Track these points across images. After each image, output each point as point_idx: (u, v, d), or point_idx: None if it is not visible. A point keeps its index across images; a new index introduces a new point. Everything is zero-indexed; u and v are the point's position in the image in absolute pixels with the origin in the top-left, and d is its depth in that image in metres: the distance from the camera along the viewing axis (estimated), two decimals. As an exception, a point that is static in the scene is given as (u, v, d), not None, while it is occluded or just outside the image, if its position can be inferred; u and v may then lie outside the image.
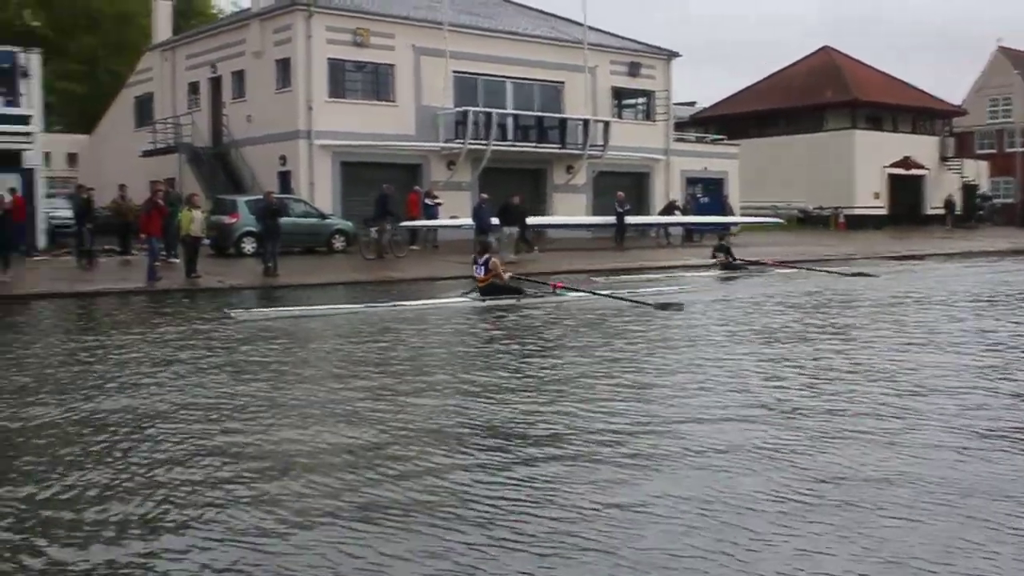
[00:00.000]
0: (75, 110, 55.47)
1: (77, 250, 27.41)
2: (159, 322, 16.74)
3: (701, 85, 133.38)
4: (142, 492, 6.55)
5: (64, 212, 30.60)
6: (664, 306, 17.17)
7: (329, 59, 35.80)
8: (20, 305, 20.27)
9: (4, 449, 7.94)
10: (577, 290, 19.68)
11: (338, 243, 32.36)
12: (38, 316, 18.67)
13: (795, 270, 26.78)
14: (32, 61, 32.47)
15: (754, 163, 50.88)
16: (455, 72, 38.25)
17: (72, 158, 52.21)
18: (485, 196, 31.22)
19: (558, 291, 19.09)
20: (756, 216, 45.90)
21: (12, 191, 28.05)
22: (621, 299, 18.41)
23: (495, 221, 29.80)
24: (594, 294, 19.44)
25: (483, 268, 18.87)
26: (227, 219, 30.29)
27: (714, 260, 27.73)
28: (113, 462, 7.34)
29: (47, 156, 36.90)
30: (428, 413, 8.92)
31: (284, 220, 27.08)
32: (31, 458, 7.59)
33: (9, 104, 31.07)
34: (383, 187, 30.93)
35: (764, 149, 54.56)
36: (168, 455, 7.50)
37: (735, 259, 27.56)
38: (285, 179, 35.47)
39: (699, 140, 49.52)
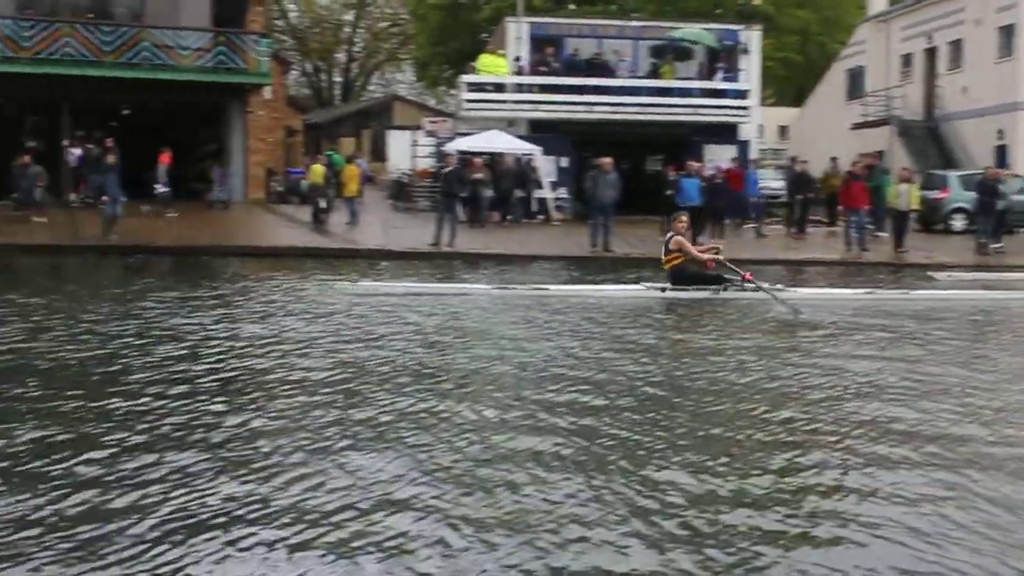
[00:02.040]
0: (786, 84, 56.93)
1: (788, 220, 28.16)
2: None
3: None
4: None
5: (775, 184, 31.55)
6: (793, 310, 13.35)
7: (1060, 24, 33.15)
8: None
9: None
10: (760, 287, 14.65)
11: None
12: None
13: None
14: (752, 38, 33.78)
15: None
16: None
17: (782, 131, 53.71)
18: None
19: (747, 283, 14.62)
20: None
21: (733, 160, 29.57)
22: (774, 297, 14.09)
23: None
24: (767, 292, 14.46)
25: (664, 247, 15.36)
26: (936, 194, 29.31)
27: None
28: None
29: (760, 129, 38.19)
30: None
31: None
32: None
33: (728, 79, 32.59)
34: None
35: None
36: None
37: None
38: (1001, 153, 33.49)
39: None
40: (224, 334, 11.24)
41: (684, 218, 15.80)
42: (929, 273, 19.85)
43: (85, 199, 27.17)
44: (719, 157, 29.68)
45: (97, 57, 28.89)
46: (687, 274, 14.86)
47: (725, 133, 32.24)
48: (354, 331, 11.42)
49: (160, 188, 27.64)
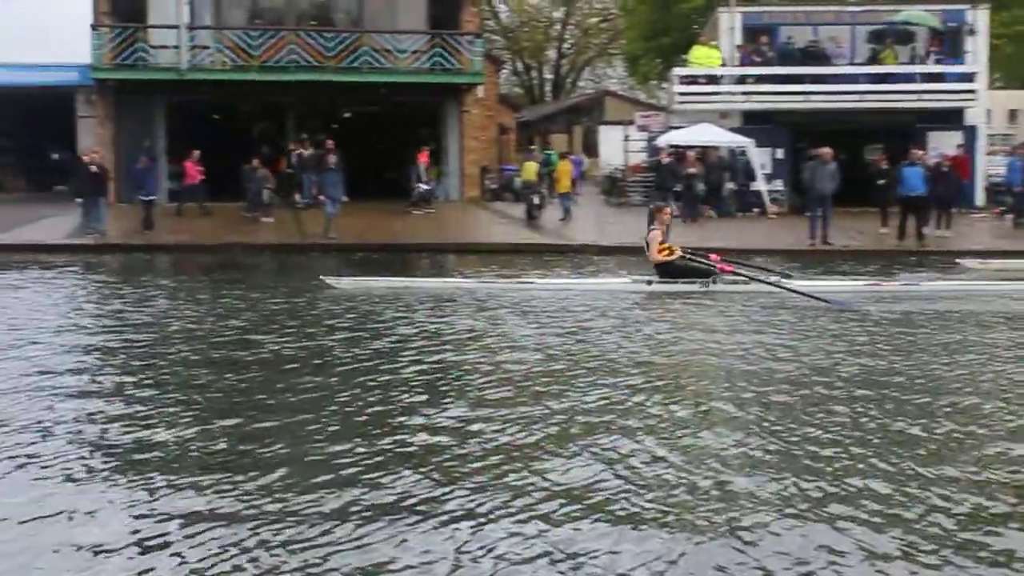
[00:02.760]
0: (1017, 64, 54.19)
1: (1016, 209, 26.82)
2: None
3: None
4: None
5: (1003, 170, 30.06)
6: (844, 307, 12.68)
7: None
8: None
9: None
10: (752, 279, 14.59)
11: None
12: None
13: None
14: (979, 17, 32.23)
15: None
16: None
17: (1012, 115, 51.14)
18: None
19: (725, 276, 14.45)
20: None
21: (959, 147, 28.38)
22: (795, 292, 13.47)
23: None
24: (764, 283, 14.38)
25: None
26: None
27: None
28: None
29: (988, 113, 36.37)
30: None
31: None
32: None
33: (939, 61, 31.14)
34: None
35: None
36: None
37: None
38: None
39: None
40: (440, 326, 11.59)
41: (668, 211, 15.71)
42: (958, 261, 18.91)
43: (306, 200, 28.24)
44: (944, 144, 28.47)
45: (320, 63, 29.95)
46: (674, 267, 14.66)
47: (950, 119, 30.87)
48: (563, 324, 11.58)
49: (422, 186, 28.55)
